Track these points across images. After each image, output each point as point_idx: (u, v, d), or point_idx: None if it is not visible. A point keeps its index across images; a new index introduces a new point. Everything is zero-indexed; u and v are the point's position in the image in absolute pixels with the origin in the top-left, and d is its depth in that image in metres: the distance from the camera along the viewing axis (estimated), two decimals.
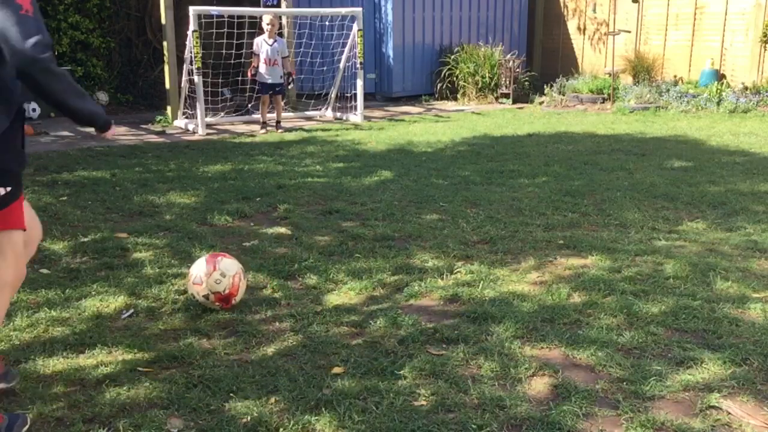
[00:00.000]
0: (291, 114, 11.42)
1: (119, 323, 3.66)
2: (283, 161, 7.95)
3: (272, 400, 2.89)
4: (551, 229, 5.26)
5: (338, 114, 11.69)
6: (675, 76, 13.56)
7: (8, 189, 2.66)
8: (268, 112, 10.41)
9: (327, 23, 12.16)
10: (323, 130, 10.37)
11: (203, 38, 10.48)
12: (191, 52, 9.87)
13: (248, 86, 11.38)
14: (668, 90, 12.49)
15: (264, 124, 10.23)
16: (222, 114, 11.24)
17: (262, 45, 10.00)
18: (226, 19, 10.96)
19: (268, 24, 9.98)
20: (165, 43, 10.61)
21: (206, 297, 3.71)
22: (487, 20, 14.91)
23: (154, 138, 9.75)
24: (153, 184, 6.74)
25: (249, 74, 10.28)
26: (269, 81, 10.12)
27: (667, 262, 4.45)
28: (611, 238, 5.01)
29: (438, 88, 14.06)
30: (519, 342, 3.40)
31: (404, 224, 5.36)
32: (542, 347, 3.36)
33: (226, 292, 3.71)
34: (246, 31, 11.26)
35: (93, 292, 4.04)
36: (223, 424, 2.72)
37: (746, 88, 12.22)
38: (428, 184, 6.67)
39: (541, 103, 13.19)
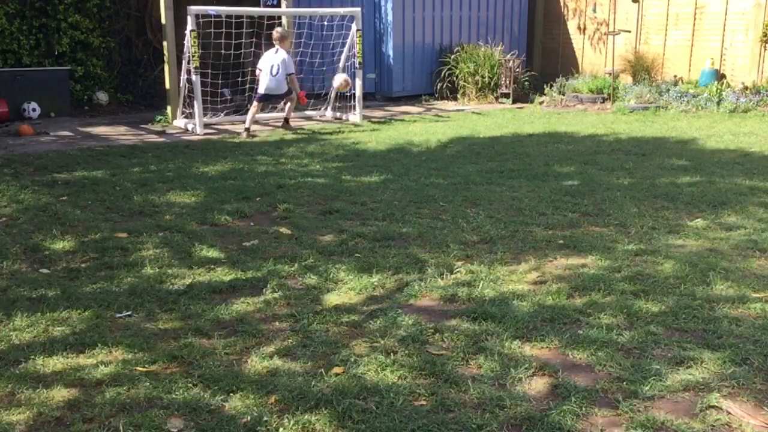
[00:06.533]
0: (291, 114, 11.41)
1: (119, 323, 3.66)
2: (283, 161, 7.95)
3: (272, 399, 2.89)
4: (551, 228, 5.26)
5: (338, 114, 11.69)
6: (675, 76, 13.55)
7: None
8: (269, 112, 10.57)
9: (326, 23, 12.15)
10: (323, 130, 10.38)
11: (203, 38, 10.48)
12: (188, 52, 9.87)
13: (248, 86, 11.39)
14: (668, 90, 12.49)
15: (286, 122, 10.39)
16: (222, 114, 11.23)
17: None
18: (224, 19, 10.95)
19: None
20: (165, 43, 10.60)
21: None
22: (487, 20, 14.91)
23: (154, 138, 9.75)
24: (153, 184, 6.74)
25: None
26: None
27: (667, 262, 4.45)
28: (611, 237, 5.01)
29: (438, 87, 14.06)
30: (519, 342, 3.40)
31: (404, 224, 5.36)
32: (542, 347, 3.36)
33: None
34: (245, 30, 11.26)
35: (93, 292, 4.05)
36: (223, 424, 2.72)
37: (746, 88, 12.22)
38: (428, 183, 6.67)
39: (541, 103, 13.19)
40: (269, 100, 10.64)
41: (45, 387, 2.99)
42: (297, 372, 3.12)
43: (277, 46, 10.06)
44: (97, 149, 8.75)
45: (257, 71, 10.21)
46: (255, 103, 10.16)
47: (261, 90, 10.14)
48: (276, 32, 10.22)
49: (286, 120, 10.34)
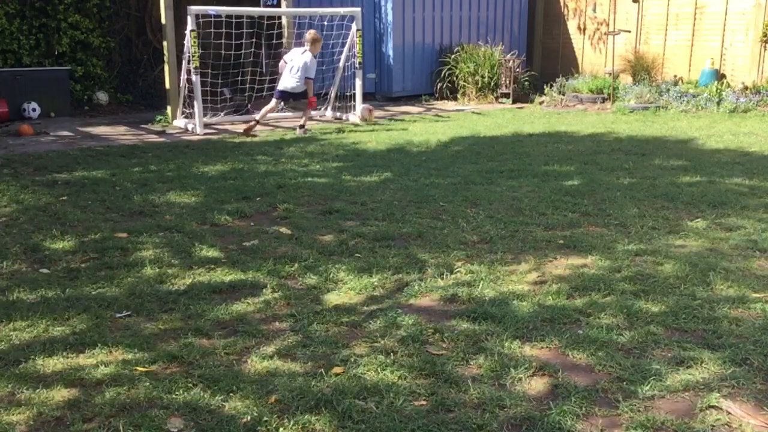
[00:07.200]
0: (290, 114, 11.41)
1: (119, 323, 3.66)
2: (283, 161, 7.95)
3: (272, 399, 2.89)
4: (551, 228, 5.26)
5: (338, 114, 11.69)
6: (675, 76, 13.55)
7: None
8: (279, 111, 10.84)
9: (326, 23, 12.15)
10: (323, 130, 10.37)
11: (203, 38, 10.48)
12: (188, 52, 9.87)
13: (248, 86, 11.40)
14: (668, 90, 12.49)
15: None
16: (222, 114, 11.23)
17: None
18: (224, 19, 10.95)
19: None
20: (165, 43, 10.60)
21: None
22: (487, 20, 14.91)
23: (153, 138, 9.75)
24: (153, 184, 6.74)
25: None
26: None
27: (667, 262, 4.45)
28: (611, 237, 5.01)
29: (438, 87, 14.06)
30: (519, 342, 3.40)
31: (404, 224, 5.36)
32: (542, 347, 3.36)
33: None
34: (245, 30, 11.26)
35: (93, 292, 4.05)
36: (223, 424, 2.72)
37: (746, 88, 12.21)
38: (428, 183, 6.67)
39: (541, 103, 13.19)
40: (287, 99, 10.57)
41: (45, 387, 2.99)
42: (297, 372, 3.13)
43: (306, 47, 10.07)
44: (97, 149, 8.75)
45: (281, 63, 10.33)
46: (273, 100, 10.28)
47: (280, 87, 10.21)
48: (309, 33, 10.19)
49: (301, 126, 10.26)
